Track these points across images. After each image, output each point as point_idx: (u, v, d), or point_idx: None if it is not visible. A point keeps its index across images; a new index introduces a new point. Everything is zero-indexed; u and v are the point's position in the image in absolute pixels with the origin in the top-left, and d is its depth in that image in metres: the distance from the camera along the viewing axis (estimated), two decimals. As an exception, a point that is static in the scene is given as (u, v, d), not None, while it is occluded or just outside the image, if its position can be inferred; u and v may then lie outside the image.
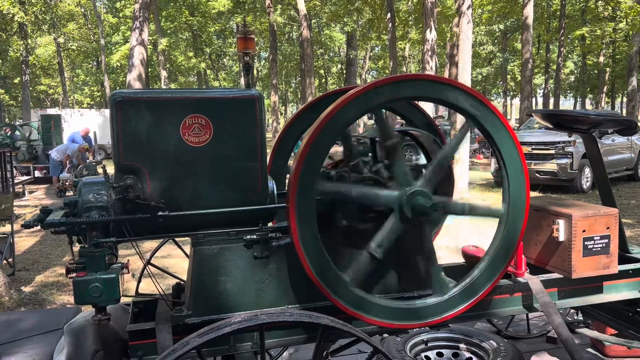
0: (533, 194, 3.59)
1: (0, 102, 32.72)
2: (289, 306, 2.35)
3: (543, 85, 37.15)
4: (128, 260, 2.49)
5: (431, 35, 13.10)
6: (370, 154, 2.61)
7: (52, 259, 7.34)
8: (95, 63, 40.67)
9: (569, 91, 50.28)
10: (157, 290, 2.39)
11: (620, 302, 3.01)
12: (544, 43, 36.65)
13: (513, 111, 53.38)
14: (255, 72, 38.73)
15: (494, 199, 11.37)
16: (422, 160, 2.84)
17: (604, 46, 31.16)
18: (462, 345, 3.72)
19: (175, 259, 5.74)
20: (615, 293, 2.91)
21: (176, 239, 2.62)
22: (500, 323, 4.41)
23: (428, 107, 10.60)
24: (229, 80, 42.62)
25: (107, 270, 2.16)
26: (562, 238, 2.73)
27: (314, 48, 28.58)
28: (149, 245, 5.33)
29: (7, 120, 34.29)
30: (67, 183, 3.31)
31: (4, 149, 11.88)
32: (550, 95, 33.33)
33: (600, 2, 25.99)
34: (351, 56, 32.29)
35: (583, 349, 3.98)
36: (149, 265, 2.68)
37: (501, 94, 46.87)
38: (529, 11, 20.26)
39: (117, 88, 33.71)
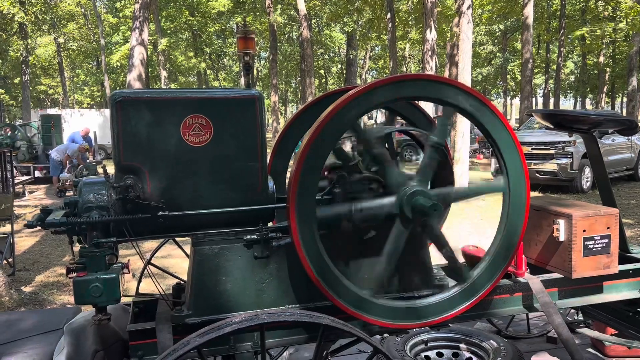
0: (533, 194, 3.59)
1: (0, 102, 32.72)
2: (290, 306, 2.35)
3: (543, 85, 37.14)
4: (128, 260, 2.49)
5: (431, 35, 13.10)
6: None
7: (52, 259, 7.34)
8: (95, 63, 40.68)
9: (569, 91, 50.28)
10: (158, 290, 2.39)
11: (620, 302, 3.01)
12: (544, 43, 36.64)
13: (513, 111, 53.37)
14: (255, 72, 38.74)
15: (494, 199, 11.37)
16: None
17: (604, 46, 31.16)
18: (462, 345, 3.72)
19: (176, 259, 5.74)
20: (616, 293, 2.91)
21: (176, 239, 2.62)
22: (500, 323, 4.41)
23: (428, 107, 10.60)
24: (229, 80, 42.61)
25: (107, 270, 2.16)
26: (562, 238, 2.73)
27: (314, 48, 28.57)
28: (149, 245, 5.33)
29: (7, 120, 34.29)
30: (67, 183, 3.31)
31: (4, 149, 11.87)
32: (550, 95, 33.32)
33: (600, 2, 25.99)
34: (351, 56, 32.28)
35: (583, 349, 3.98)
36: (149, 265, 2.67)
37: (501, 94, 46.87)
38: (529, 11, 20.26)
39: (117, 88, 33.70)
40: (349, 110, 2.20)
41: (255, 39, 2.96)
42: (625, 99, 31.62)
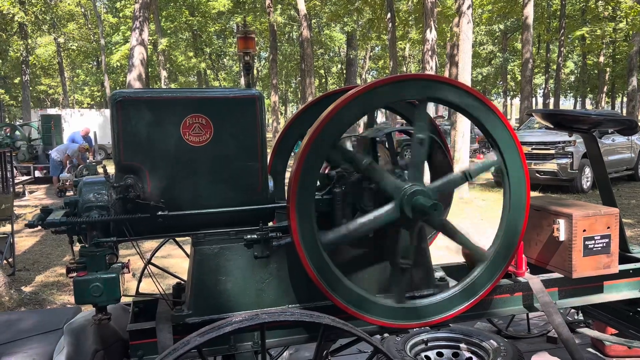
0: (533, 193, 3.59)
1: (0, 102, 32.73)
2: (290, 306, 2.35)
3: (543, 85, 37.15)
4: (128, 260, 2.49)
5: (431, 35, 13.09)
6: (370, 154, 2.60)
7: (53, 259, 7.34)
8: (95, 63, 40.68)
9: (569, 91, 50.30)
10: (158, 290, 2.39)
11: (620, 302, 3.01)
12: (544, 43, 36.65)
13: (513, 111, 53.36)
14: (255, 72, 38.74)
15: (494, 199, 11.37)
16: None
17: (604, 46, 31.16)
18: (462, 345, 3.71)
19: (176, 259, 5.74)
20: (616, 293, 2.91)
21: (177, 239, 2.62)
22: (500, 323, 4.41)
23: (428, 107, 10.58)
24: (229, 80, 42.61)
25: (107, 270, 2.16)
26: (562, 238, 2.72)
27: (314, 48, 28.57)
28: (149, 245, 5.32)
29: (7, 120, 34.30)
30: (67, 183, 3.31)
31: (4, 149, 11.87)
32: (551, 95, 33.33)
33: (600, 2, 26.00)
34: (351, 56, 32.29)
35: (583, 349, 3.98)
36: (149, 265, 2.67)
37: (501, 93, 46.87)
38: (529, 11, 20.26)
39: (117, 88, 33.71)
40: (349, 110, 2.20)
41: (255, 38, 2.96)
42: (625, 99, 31.64)
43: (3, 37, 26.00)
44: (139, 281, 2.94)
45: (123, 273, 2.23)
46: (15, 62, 30.03)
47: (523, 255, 2.73)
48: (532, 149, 12.07)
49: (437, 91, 2.33)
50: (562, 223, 2.72)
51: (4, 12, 21.98)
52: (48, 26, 28.12)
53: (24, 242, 8.25)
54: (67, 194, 11.29)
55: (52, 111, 24.93)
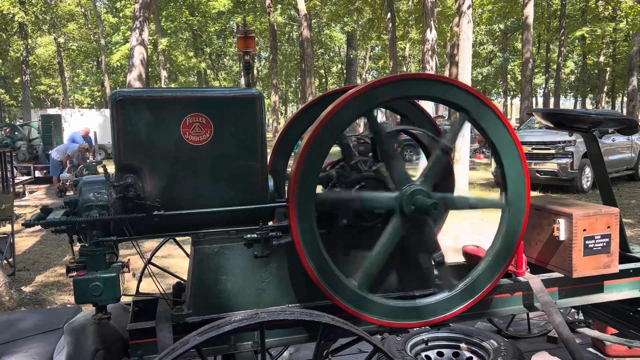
0: (533, 193, 3.59)
1: (0, 102, 32.73)
2: (290, 305, 2.35)
3: (543, 85, 37.16)
4: (128, 259, 2.49)
5: (431, 35, 13.10)
6: (370, 154, 2.60)
7: (53, 258, 7.34)
8: (95, 63, 40.69)
9: (569, 91, 50.29)
10: (158, 290, 2.39)
11: (621, 302, 3.00)
12: (544, 43, 36.65)
13: (513, 111, 53.36)
14: (255, 71, 38.74)
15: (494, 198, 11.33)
16: (423, 159, 2.83)
17: (604, 46, 31.16)
18: (462, 345, 3.71)
19: (176, 259, 5.74)
20: (616, 292, 2.91)
21: (177, 238, 2.62)
22: (500, 322, 4.41)
23: (428, 107, 10.60)
24: (229, 80, 42.61)
25: (107, 269, 2.16)
26: (562, 237, 2.72)
27: (314, 48, 28.58)
28: (149, 244, 5.32)
29: (7, 120, 34.31)
30: (67, 183, 3.31)
31: (4, 149, 11.88)
32: (551, 94, 33.34)
33: (600, 2, 26.00)
34: (351, 56, 32.32)
35: (584, 349, 3.98)
36: (149, 265, 2.67)
37: (501, 93, 46.87)
38: (529, 11, 20.26)
39: (117, 88, 33.70)
40: (349, 110, 2.20)
41: (256, 38, 2.96)
42: (625, 99, 31.64)
43: (3, 37, 26.00)
44: (139, 281, 2.94)
45: (123, 272, 2.23)
46: (16, 62, 30.04)
47: (523, 255, 2.73)
48: (532, 148, 12.07)
49: (437, 91, 2.33)
50: (562, 223, 2.72)
51: (4, 12, 21.98)
52: (48, 26, 28.13)
53: (24, 242, 8.25)
54: (67, 193, 11.29)
55: (52, 111, 24.92)
